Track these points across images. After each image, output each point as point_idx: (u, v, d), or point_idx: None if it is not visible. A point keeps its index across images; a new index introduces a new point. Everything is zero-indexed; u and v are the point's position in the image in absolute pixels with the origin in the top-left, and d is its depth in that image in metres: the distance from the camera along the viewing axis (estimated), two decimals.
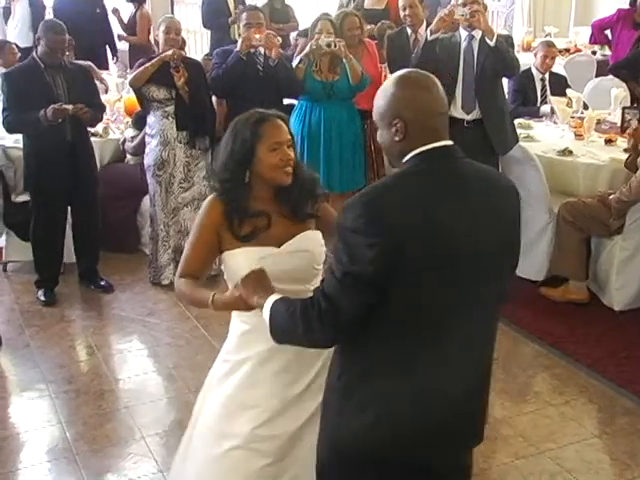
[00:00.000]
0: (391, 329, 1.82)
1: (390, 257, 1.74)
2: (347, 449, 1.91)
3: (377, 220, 1.75)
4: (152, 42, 7.53)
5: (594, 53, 8.71)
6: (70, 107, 4.35)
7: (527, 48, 8.83)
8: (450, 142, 1.87)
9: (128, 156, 5.46)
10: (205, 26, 7.92)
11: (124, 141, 5.41)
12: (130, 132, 5.39)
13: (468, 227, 1.80)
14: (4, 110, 4.51)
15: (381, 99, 1.88)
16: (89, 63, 5.81)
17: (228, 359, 2.32)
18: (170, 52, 4.62)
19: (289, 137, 2.26)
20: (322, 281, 1.88)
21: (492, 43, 4.29)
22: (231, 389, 2.29)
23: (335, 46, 4.69)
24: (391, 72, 6.25)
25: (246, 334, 2.25)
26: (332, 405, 1.95)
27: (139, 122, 5.13)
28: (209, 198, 2.30)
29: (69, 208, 4.77)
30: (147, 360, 4.14)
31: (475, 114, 4.54)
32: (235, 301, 2.06)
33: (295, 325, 1.86)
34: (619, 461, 3.23)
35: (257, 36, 4.54)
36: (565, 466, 3.15)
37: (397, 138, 1.84)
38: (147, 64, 4.66)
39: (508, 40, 4.68)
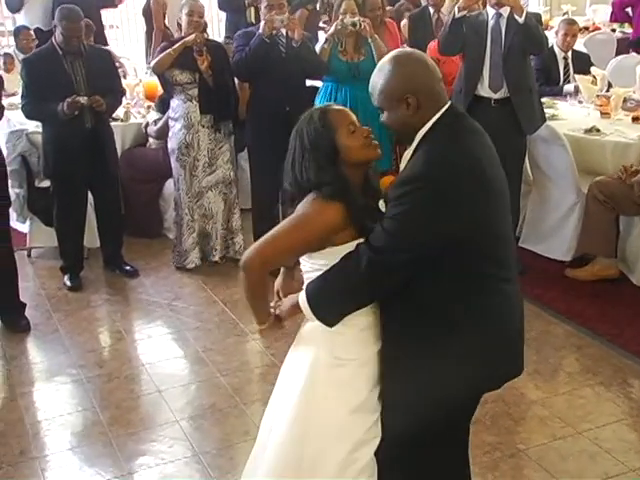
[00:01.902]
0: (460, 276, 2.01)
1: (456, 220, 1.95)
2: (453, 402, 2.06)
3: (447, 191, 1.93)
4: (168, 27, 7.47)
5: (613, 31, 8.63)
6: (85, 99, 4.33)
7: (545, 27, 8.73)
8: (450, 102, 2.07)
9: (150, 140, 5.45)
10: (221, 8, 7.86)
11: (147, 125, 5.39)
12: (153, 115, 5.37)
13: (496, 174, 2.06)
14: (23, 97, 4.50)
15: (383, 81, 2.01)
16: (108, 47, 5.77)
17: (342, 363, 2.15)
18: (193, 36, 4.58)
19: (353, 115, 2.20)
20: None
21: (521, 20, 4.22)
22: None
23: (360, 26, 4.64)
24: None
25: (354, 339, 2.16)
26: (423, 367, 2.03)
27: (162, 105, 5.11)
28: (319, 200, 2.07)
29: (90, 194, 4.77)
30: (176, 344, 4.14)
31: (502, 93, 4.48)
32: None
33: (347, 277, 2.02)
34: None
35: (279, 18, 4.50)
36: (604, 446, 3.13)
37: (411, 112, 1.98)
38: (169, 49, 4.62)
39: (537, 17, 4.62)
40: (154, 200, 5.44)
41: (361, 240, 2.05)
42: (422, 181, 1.94)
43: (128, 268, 4.88)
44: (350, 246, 2.07)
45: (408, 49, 2.20)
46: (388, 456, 2.13)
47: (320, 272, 2.10)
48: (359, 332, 2.14)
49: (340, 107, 2.19)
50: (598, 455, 3.08)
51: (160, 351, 4.03)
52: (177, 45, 4.62)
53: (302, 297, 2.10)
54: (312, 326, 2.16)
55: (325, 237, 2.07)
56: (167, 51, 4.63)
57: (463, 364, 2.02)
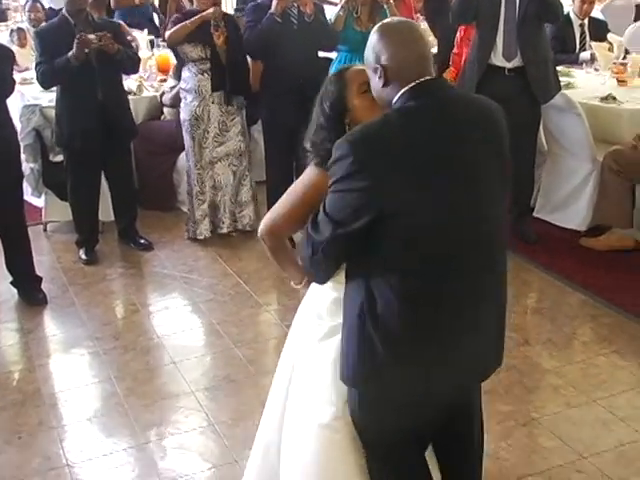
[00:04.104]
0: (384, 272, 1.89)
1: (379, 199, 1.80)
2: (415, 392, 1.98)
3: (365, 160, 1.80)
4: None
5: None
6: (93, 36, 4.28)
7: None
8: (434, 76, 1.94)
9: (165, 110, 5.45)
10: None
11: (163, 93, 5.41)
12: (170, 82, 5.38)
13: (462, 155, 1.87)
14: (37, 65, 4.48)
15: (367, 48, 1.96)
16: (120, 21, 5.75)
17: (322, 323, 2.18)
18: (212, 10, 4.55)
19: None
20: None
21: None
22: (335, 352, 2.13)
23: None
24: (429, 21, 6.14)
25: (336, 301, 2.12)
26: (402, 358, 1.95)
27: (178, 73, 5.08)
28: (317, 170, 2.08)
29: (104, 167, 4.78)
30: (191, 316, 4.17)
31: (516, 62, 4.42)
32: None
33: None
34: None
35: None
36: (618, 414, 3.13)
37: (382, 83, 1.92)
38: (186, 22, 4.58)
39: None
40: (168, 173, 5.45)
41: None
42: (342, 150, 1.83)
43: (142, 241, 4.91)
44: None
45: (397, 19, 2.06)
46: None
47: None
48: (335, 299, 2.13)
49: (359, 66, 2.16)
50: (612, 423, 3.09)
51: (175, 323, 4.06)
52: (195, 18, 4.57)
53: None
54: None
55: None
56: (184, 23, 4.59)
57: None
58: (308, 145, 2.16)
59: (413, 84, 1.88)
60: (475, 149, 1.91)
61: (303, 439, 2.17)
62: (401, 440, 2.11)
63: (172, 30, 4.65)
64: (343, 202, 1.85)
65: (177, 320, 4.10)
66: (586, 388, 3.32)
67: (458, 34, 5.42)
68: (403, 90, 1.89)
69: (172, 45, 4.74)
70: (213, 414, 3.26)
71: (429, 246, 1.85)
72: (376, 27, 1.97)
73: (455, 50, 5.48)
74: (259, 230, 2.19)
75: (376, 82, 1.94)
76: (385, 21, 2.01)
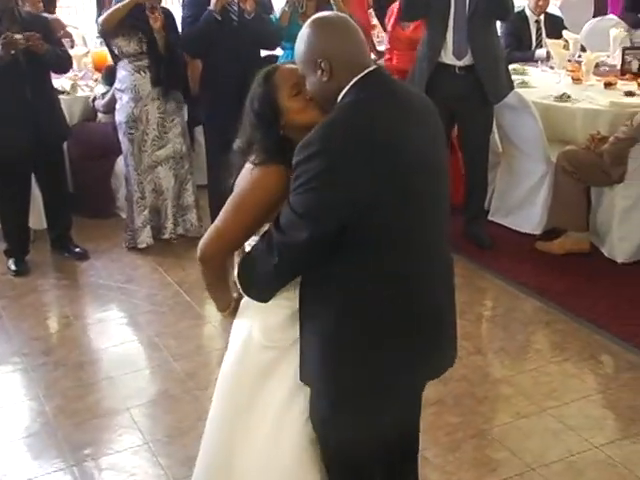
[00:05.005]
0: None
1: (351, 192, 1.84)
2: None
3: (337, 156, 1.83)
4: None
5: None
6: (20, 36, 4.22)
7: None
8: (376, 66, 1.99)
9: (99, 114, 5.41)
10: None
11: (94, 98, 5.35)
12: (101, 88, 5.32)
13: (417, 146, 1.93)
14: None
15: (301, 45, 1.97)
16: (55, 15, 5.69)
17: (271, 344, 2.13)
18: None
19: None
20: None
21: None
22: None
23: None
24: (379, 17, 6.21)
25: (290, 318, 2.10)
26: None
27: (110, 77, 5.07)
28: (257, 167, 2.04)
29: (34, 172, 4.72)
30: (128, 329, 4.15)
31: (467, 60, 4.49)
32: None
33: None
34: (623, 416, 3.28)
35: None
36: (568, 423, 3.20)
37: (325, 78, 1.93)
38: (118, 4, 4.53)
39: None
40: (105, 178, 5.42)
41: None
42: (311, 148, 1.85)
43: (77, 250, 4.86)
44: None
45: (327, 12, 2.12)
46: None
47: None
48: (294, 314, 2.09)
49: (288, 67, 2.14)
50: (562, 432, 3.15)
51: (111, 336, 4.03)
52: (128, 1, 4.51)
53: (235, 273, 2.08)
54: (249, 302, 2.16)
55: (274, 205, 2.03)
56: (116, 6, 4.53)
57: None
58: (242, 145, 2.14)
59: (362, 75, 1.92)
60: (432, 137, 1.99)
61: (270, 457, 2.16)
62: (368, 458, 2.13)
63: (104, 15, 4.61)
64: (318, 200, 1.85)
65: (113, 333, 4.07)
66: (537, 397, 3.38)
67: (386, 36, 5.54)
68: (353, 82, 1.92)
69: (106, 29, 4.62)
70: (148, 431, 3.24)
71: (401, 236, 1.92)
72: (309, 22, 1.99)
73: (386, 56, 5.56)
74: (199, 252, 2.09)
75: (317, 78, 1.95)
76: (317, 16, 2.01)
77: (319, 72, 1.93)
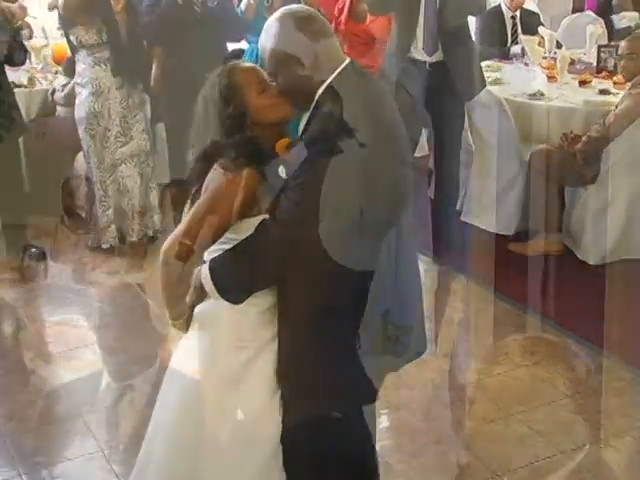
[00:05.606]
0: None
1: None
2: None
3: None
4: None
5: None
6: None
7: None
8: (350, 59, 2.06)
9: (58, 108, 5.38)
10: None
11: (53, 91, 5.32)
12: (61, 80, 5.30)
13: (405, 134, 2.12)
14: None
15: (272, 39, 2.01)
16: (19, 2, 5.61)
17: (244, 345, 2.16)
18: None
19: (263, 71, 2.16)
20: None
21: None
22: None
23: None
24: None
25: (259, 317, 2.15)
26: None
27: (71, 68, 5.01)
28: (228, 170, 2.06)
29: None
30: (86, 332, 4.13)
31: (438, 56, 4.52)
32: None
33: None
34: (592, 421, 3.32)
35: None
36: (536, 428, 3.23)
37: (306, 72, 1.98)
38: None
39: None
40: (66, 175, 5.38)
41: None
42: (324, 144, 1.93)
43: (34, 250, 4.82)
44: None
45: (296, 6, 2.18)
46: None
47: (227, 247, 2.10)
48: (263, 312, 2.14)
49: (248, 65, 2.17)
50: (529, 438, 3.18)
51: (67, 340, 3.99)
52: None
53: (205, 275, 2.08)
54: (212, 306, 2.17)
55: (243, 208, 2.06)
56: None
57: None
58: (204, 152, 2.14)
59: (344, 66, 2.00)
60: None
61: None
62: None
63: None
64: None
65: (70, 337, 4.04)
66: (504, 402, 3.41)
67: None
68: (336, 73, 1.98)
69: (67, 18, 4.60)
70: (103, 438, 3.23)
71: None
72: (279, 16, 2.01)
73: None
74: (163, 253, 2.08)
75: (293, 72, 1.99)
76: (288, 9, 2.05)
77: (296, 66, 1.97)
